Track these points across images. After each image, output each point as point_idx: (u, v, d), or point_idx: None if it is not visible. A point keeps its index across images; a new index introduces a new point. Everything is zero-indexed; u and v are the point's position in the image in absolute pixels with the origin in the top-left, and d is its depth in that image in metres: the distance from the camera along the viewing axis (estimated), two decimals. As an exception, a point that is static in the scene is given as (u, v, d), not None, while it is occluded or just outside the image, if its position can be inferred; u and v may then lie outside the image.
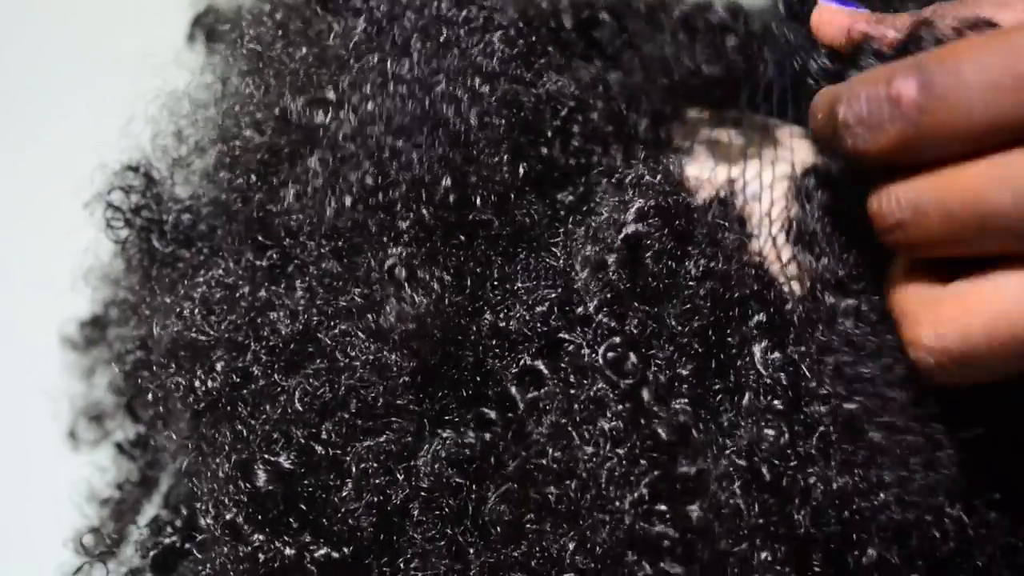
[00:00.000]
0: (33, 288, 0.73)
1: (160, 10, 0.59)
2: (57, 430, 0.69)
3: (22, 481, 0.87)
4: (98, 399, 0.67)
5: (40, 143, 0.90)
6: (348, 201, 0.42)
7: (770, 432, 0.38)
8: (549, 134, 0.44)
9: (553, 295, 0.41)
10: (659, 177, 0.42)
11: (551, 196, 0.43)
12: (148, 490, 0.61)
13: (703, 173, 0.46)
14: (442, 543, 0.40)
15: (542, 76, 0.44)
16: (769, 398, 0.39)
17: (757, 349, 0.40)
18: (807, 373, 0.40)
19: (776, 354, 0.40)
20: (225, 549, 0.41)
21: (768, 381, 0.40)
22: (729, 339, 0.41)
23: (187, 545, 0.45)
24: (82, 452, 0.68)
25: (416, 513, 0.40)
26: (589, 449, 0.37)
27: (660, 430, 0.37)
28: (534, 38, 0.45)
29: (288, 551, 0.41)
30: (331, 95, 0.44)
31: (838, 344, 0.40)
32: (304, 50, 0.45)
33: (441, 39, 0.43)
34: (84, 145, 0.51)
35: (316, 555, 0.41)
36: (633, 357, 0.38)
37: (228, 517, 0.41)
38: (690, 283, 0.40)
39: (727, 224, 0.42)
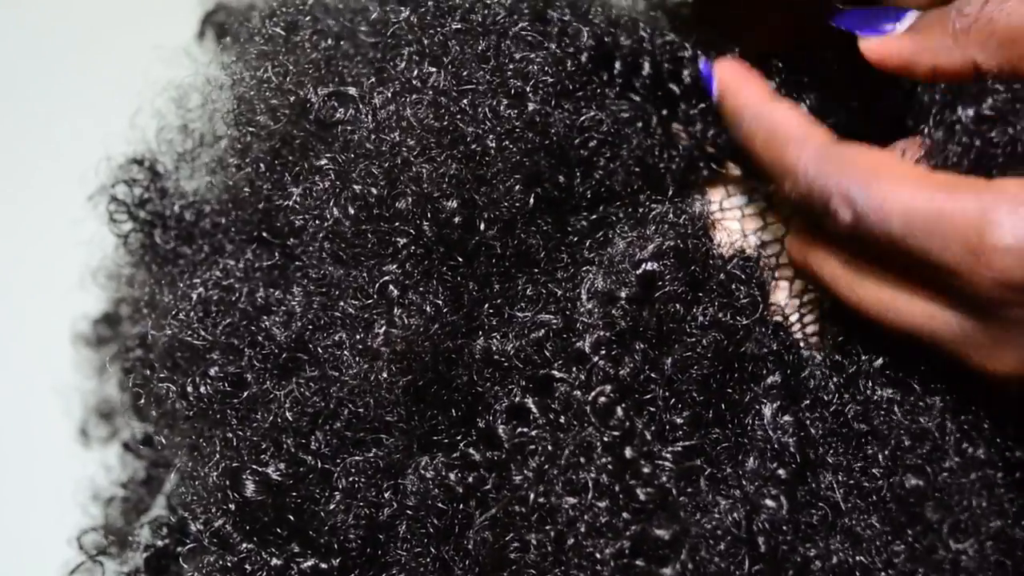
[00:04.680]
0: (42, 284, 0.74)
1: (168, 3, 0.59)
2: (68, 427, 0.69)
3: (30, 478, 0.88)
4: (109, 396, 0.67)
5: (46, 135, 0.91)
6: (351, 208, 0.41)
7: (770, 503, 0.38)
8: (574, 163, 0.44)
9: (552, 323, 0.41)
10: (683, 218, 0.43)
11: (564, 221, 0.44)
12: (154, 489, 0.62)
13: (734, 226, 0.46)
14: (428, 560, 0.40)
15: (580, 105, 0.44)
16: (775, 465, 0.39)
17: (768, 410, 0.40)
18: (818, 440, 0.40)
19: (787, 417, 0.40)
20: (212, 558, 0.41)
21: (776, 446, 0.40)
22: (735, 395, 0.41)
23: (179, 549, 0.45)
24: (93, 449, 0.69)
25: (403, 529, 0.40)
26: (571, 500, 0.38)
27: (639, 491, 0.37)
28: (585, 67, 0.45)
29: (275, 561, 0.41)
30: (353, 91, 0.43)
31: (857, 414, 0.41)
32: (329, 40, 0.44)
33: (478, 49, 0.43)
34: (90, 137, 0.51)
35: (303, 566, 0.41)
36: (621, 410, 0.38)
37: (216, 525, 0.41)
38: (694, 331, 0.40)
39: (746, 279, 0.43)
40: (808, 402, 0.41)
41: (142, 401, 0.59)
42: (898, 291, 0.38)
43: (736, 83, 0.43)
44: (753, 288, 0.43)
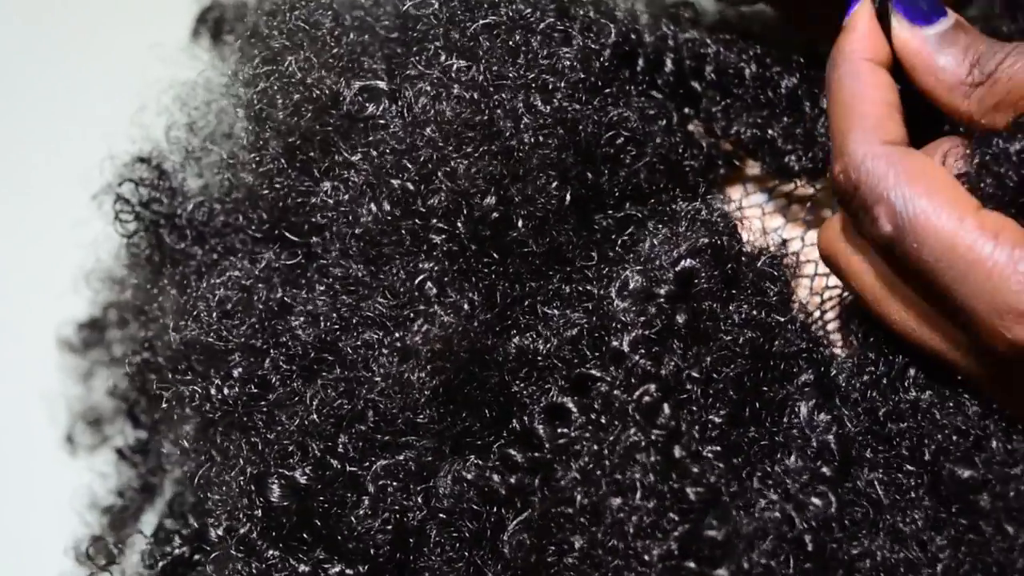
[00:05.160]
0: (33, 287, 0.72)
1: (168, 1, 0.58)
2: (55, 435, 0.68)
3: (22, 487, 0.86)
4: (96, 403, 0.66)
5: (49, 132, 0.89)
6: (386, 205, 0.40)
7: (817, 501, 0.38)
8: (600, 160, 0.43)
9: (584, 322, 0.40)
10: (716, 215, 0.43)
11: (591, 219, 0.43)
12: (150, 496, 0.60)
13: (755, 224, 0.47)
14: (460, 565, 0.40)
15: (608, 102, 0.43)
16: (818, 463, 0.39)
17: (804, 408, 0.40)
18: (855, 438, 0.40)
19: (824, 416, 0.40)
20: (239, 565, 0.40)
21: (815, 444, 0.40)
22: (770, 392, 0.41)
23: (196, 556, 0.44)
24: (80, 457, 0.67)
25: (434, 534, 0.40)
26: (618, 500, 0.37)
27: (689, 490, 0.37)
28: (610, 63, 0.45)
29: (303, 568, 0.40)
30: (383, 85, 0.42)
31: (889, 412, 0.41)
32: (352, 35, 0.43)
33: (509, 44, 0.42)
34: (93, 134, 0.50)
35: (331, 572, 0.40)
36: (667, 407, 0.38)
37: (242, 532, 0.41)
38: (731, 328, 0.40)
39: (775, 277, 0.43)
40: (840, 399, 0.41)
41: (140, 406, 0.58)
42: (924, 315, 0.38)
43: (860, 28, 0.40)
44: (782, 285, 0.43)
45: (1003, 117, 0.37)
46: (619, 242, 0.43)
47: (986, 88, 0.38)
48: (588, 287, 0.41)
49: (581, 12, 0.45)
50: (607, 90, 0.43)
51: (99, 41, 0.91)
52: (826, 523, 0.37)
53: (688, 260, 0.40)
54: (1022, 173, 0.36)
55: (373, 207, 0.40)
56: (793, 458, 0.39)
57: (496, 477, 0.39)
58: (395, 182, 0.40)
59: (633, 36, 0.46)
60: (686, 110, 0.47)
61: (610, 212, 0.44)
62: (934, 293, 0.37)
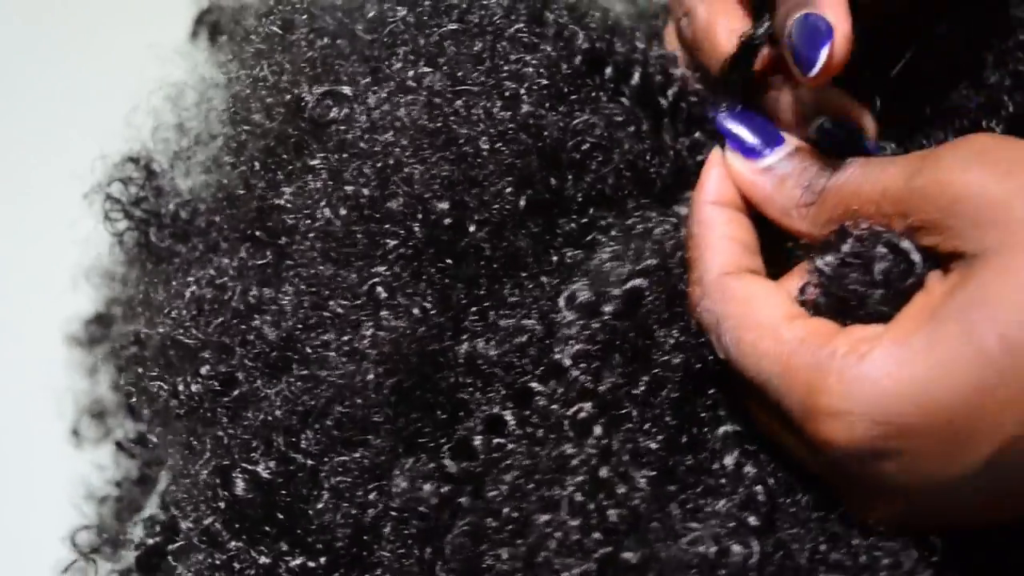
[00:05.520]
0: (36, 283, 0.74)
1: (164, 1, 0.59)
2: (61, 428, 0.69)
3: (24, 479, 0.88)
4: (101, 397, 0.67)
5: (41, 132, 0.91)
6: (343, 209, 0.41)
7: (738, 548, 0.38)
8: (565, 165, 0.44)
9: (536, 328, 0.41)
10: (668, 234, 0.43)
11: (553, 224, 0.44)
12: (148, 488, 0.61)
13: None
14: (412, 561, 0.40)
15: (573, 109, 0.44)
16: (744, 513, 0.39)
17: (730, 459, 0.40)
18: (782, 490, 0.40)
19: (751, 467, 0.40)
20: (201, 556, 0.41)
21: (742, 493, 0.39)
22: (706, 424, 0.41)
23: (169, 547, 0.45)
24: (85, 449, 0.69)
25: (387, 531, 0.40)
26: (544, 516, 0.38)
27: (611, 512, 0.38)
28: (578, 70, 0.45)
29: (263, 560, 0.41)
30: (347, 91, 0.43)
31: None
32: (326, 38, 0.44)
33: (474, 50, 0.43)
34: (85, 134, 0.51)
35: (291, 565, 0.41)
36: (600, 427, 0.39)
37: (206, 523, 0.41)
38: (667, 351, 0.40)
39: None
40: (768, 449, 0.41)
41: (135, 400, 0.60)
42: (774, 422, 0.38)
43: (706, 174, 0.42)
44: None
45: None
46: (577, 249, 0.43)
47: (816, 206, 0.39)
48: (539, 294, 0.42)
49: (552, 18, 0.45)
50: (574, 96, 0.44)
51: (92, 46, 0.93)
52: (745, 571, 0.37)
53: (636, 280, 0.40)
54: (840, 279, 0.37)
55: (328, 212, 0.41)
56: (722, 503, 0.39)
57: (428, 487, 0.40)
58: (349, 188, 0.41)
59: (603, 45, 0.46)
60: (654, 119, 0.46)
61: (575, 217, 0.44)
62: (769, 405, 0.37)
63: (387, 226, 0.40)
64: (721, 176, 0.41)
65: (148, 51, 0.54)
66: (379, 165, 0.41)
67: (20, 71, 0.95)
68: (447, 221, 0.40)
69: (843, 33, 0.37)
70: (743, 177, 0.41)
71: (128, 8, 0.92)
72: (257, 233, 0.45)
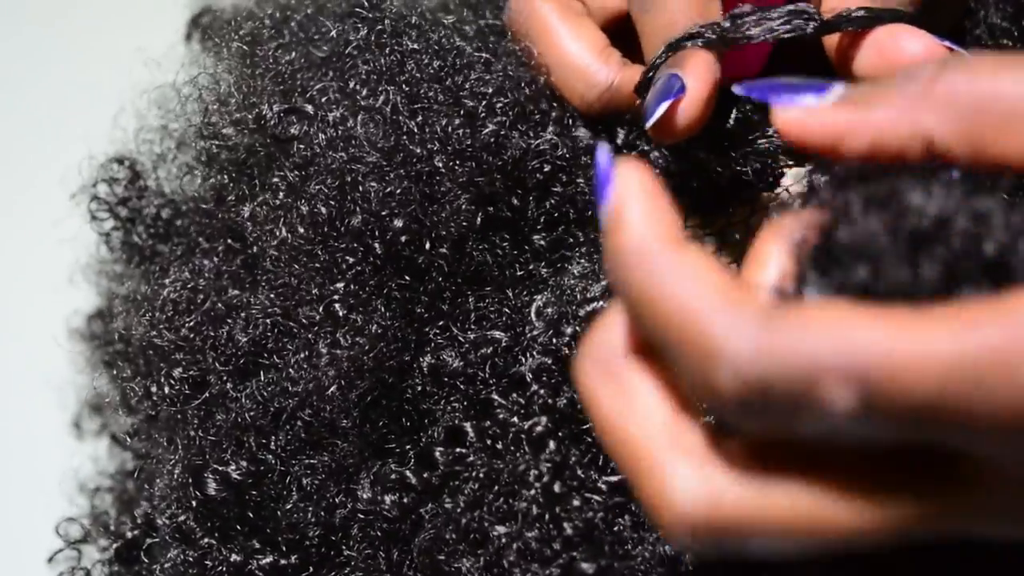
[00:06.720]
0: (36, 279, 0.75)
1: (154, 4, 0.60)
2: (62, 420, 0.70)
3: (24, 472, 0.89)
4: (101, 391, 0.69)
5: (29, 134, 0.92)
6: (301, 227, 0.42)
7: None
8: (529, 186, 0.44)
9: (502, 340, 0.42)
10: None
11: (523, 238, 0.44)
12: (140, 481, 0.63)
13: None
14: (380, 560, 0.41)
15: (537, 129, 0.44)
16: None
17: None
18: None
19: None
20: (173, 552, 0.42)
21: None
22: None
23: (146, 541, 0.46)
24: (86, 442, 0.70)
25: (355, 531, 0.42)
26: (502, 528, 0.39)
27: (566, 525, 0.38)
28: (540, 91, 0.45)
29: (235, 557, 0.42)
30: (309, 108, 0.44)
31: None
32: (294, 54, 0.45)
33: (434, 68, 0.43)
34: (73, 136, 0.53)
35: (262, 563, 0.42)
36: (554, 442, 0.39)
37: (179, 520, 0.42)
38: None
39: None
40: None
41: (122, 396, 0.61)
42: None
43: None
44: None
45: (971, 123, 0.31)
46: (547, 262, 0.44)
47: (946, 98, 0.31)
48: (505, 307, 0.42)
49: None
50: (537, 116, 0.44)
51: (80, 48, 0.94)
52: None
53: (600, 302, 0.41)
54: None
55: (285, 229, 0.42)
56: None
57: (388, 498, 0.40)
58: (305, 206, 0.41)
59: None
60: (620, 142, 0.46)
61: (543, 233, 0.44)
62: None
63: (346, 243, 0.41)
64: (662, 207, 0.31)
65: (136, 54, 0.55)
66: (336, 183, 0.42)
67: (20, 71, 0.96)
68: (404, 238, 0.41)
69: (697, 96, 0.38)
70: (809, 121, 0.33)
71: (117, 12, 0.93)
72: (229, 241, 0.46)
